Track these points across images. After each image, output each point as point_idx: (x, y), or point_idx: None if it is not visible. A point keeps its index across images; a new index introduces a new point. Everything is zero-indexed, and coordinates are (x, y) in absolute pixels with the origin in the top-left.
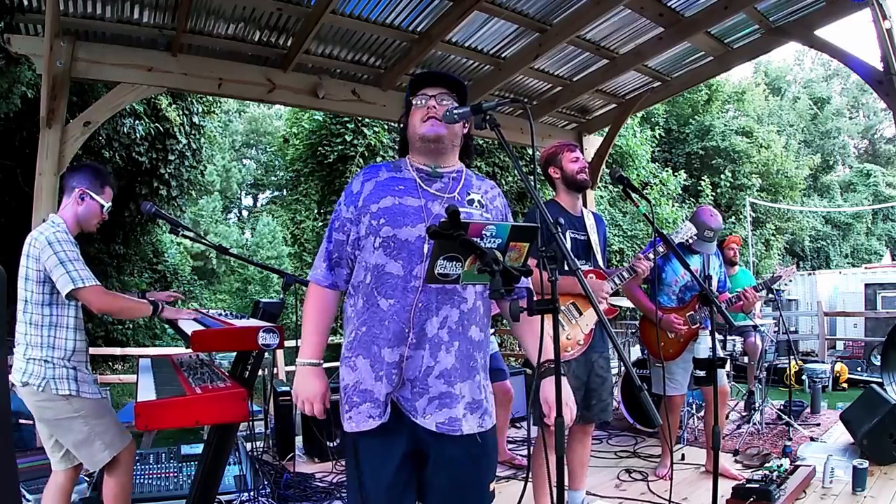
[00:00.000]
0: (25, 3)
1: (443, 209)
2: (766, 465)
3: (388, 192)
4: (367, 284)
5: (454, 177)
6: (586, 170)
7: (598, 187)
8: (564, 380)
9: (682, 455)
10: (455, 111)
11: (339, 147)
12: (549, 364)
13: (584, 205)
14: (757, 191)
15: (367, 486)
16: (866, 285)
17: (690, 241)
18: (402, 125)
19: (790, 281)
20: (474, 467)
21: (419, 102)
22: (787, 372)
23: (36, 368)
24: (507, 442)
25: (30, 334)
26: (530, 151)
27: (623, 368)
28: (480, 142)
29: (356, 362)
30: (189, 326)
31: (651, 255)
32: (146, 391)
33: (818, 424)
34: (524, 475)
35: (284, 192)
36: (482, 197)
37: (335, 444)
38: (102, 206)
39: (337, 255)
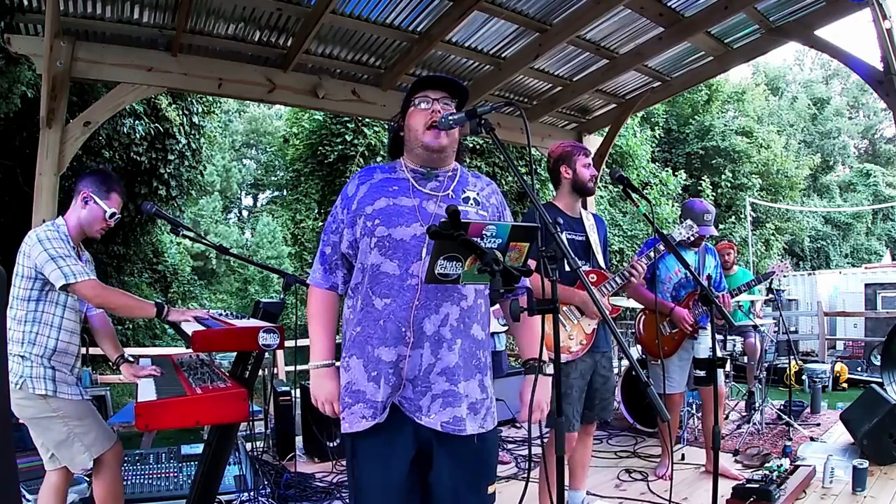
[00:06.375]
0: (25, 3)
1: (437, 207)
2: (766, 465)
3: (381, 193)
4: (363, 285)
5: (450, 175)
6: (596, 178)
7: (598, 187)
8: (547, 381)
9: (682, 455)
10: (451, 118)
11: (340, 147)
12: (533, 362)
13: (584, 206)
14: (757, 191)
15: (362, 487)
16: (866, 285)
17: (691, 238)
18: (395, 125)
19: (785, 276)
20: (475, 469)
21: (421, 104)
22: (787, 372)
23: (14, 366)
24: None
25: (13, 329)
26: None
27: (622, 368)
28: (480, 142)
29: (349, 363)
30: (189, 326)
31: (644, 261)
32: (146, 391)
33: (818, 424)
34: (524, 475)
35: (284, 192)
36: (478, 194)
37: (335, 443)
38: (105, 212)
39: (335, 256)
